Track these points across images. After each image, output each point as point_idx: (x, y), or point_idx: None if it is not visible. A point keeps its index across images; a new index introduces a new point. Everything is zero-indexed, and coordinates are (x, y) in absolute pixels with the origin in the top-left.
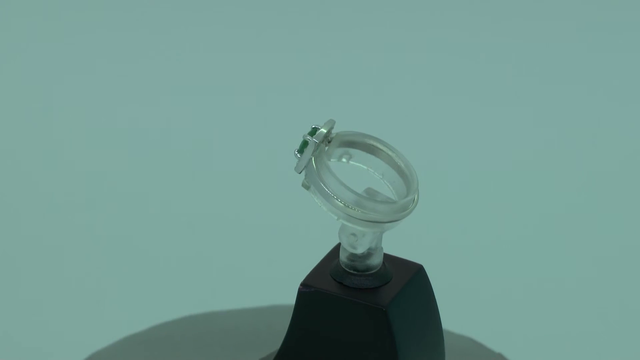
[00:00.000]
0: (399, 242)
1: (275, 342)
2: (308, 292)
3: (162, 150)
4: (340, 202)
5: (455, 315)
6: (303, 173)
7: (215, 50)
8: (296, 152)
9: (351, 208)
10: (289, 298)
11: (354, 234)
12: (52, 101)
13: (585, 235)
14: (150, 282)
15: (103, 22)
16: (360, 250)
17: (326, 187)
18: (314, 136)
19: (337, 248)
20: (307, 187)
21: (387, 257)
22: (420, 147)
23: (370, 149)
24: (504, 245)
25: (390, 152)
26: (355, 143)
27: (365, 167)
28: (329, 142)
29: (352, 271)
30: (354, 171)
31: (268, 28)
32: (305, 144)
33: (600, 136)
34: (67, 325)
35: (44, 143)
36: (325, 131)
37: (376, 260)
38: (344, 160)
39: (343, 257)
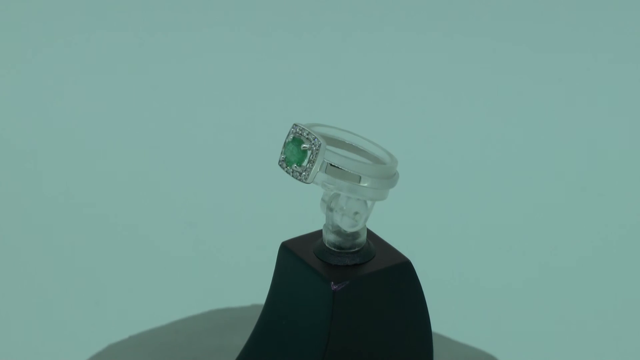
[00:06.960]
0: (396, 242)
1: None
2: (344, 288)
3: (162, 149)
4: (368, 178)
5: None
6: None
7: (211, 49)
8: (295, 167)
9: (379, 179)
10: None
11: (357, 212)
12: (49, 98)
13: (581, 230)
14: (149, 282)
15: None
16: (360, 226)
17: (354, 171)
18: (314, 140)
19: (298, 246)
20: (330, 190)
21: None
22: (419, 147)
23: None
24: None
25: (341, 137)
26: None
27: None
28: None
29: (342, 251)
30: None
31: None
32: (304, 153)
33: (598, 135)
34: (66, 327)
35: (43, 142)
36: (318, 131)
37: (364, 235)
38: None
39: (337, 241)
